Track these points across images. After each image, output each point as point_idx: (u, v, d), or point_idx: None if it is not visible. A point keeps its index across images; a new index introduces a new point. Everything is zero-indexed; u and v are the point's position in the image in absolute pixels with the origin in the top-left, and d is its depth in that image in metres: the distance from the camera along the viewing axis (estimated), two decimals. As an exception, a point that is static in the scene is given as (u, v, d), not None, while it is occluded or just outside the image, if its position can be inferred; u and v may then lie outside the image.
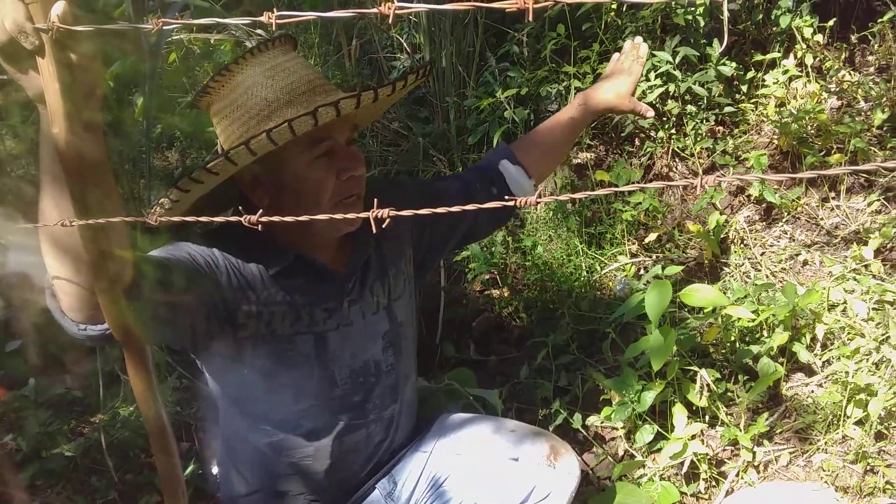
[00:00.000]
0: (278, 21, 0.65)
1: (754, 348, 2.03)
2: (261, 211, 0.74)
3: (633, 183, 2.62)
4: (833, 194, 2.61)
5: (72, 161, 0.80)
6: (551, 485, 1.49)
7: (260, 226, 0.71)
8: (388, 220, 0.64)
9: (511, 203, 0.63)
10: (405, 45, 3.02)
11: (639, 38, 1.76)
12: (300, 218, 0.76)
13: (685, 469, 1.90)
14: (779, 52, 2.87)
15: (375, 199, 0.70)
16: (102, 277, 0.88)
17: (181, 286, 1.20)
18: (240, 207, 1.39)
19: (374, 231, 0.66)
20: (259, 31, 2.91)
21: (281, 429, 1.44)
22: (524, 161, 1.70)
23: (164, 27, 0.70)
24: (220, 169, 1.21)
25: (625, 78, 1.70)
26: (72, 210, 0.83)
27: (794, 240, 2.55)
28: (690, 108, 2.78)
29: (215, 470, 1.89)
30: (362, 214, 0.68)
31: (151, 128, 2.51)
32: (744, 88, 2.88)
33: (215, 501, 1.72)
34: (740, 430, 1.91)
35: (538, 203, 0.59)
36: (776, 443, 1.97)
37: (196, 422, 2.14)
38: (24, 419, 2.15)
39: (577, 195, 0.54)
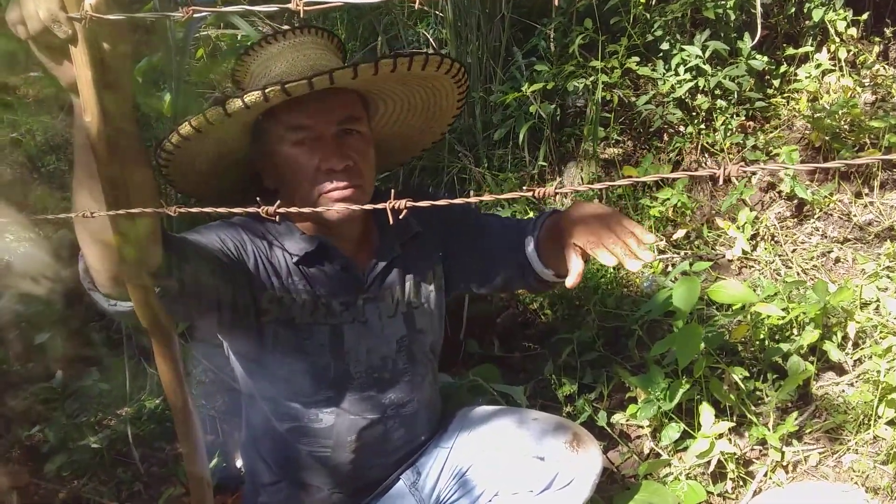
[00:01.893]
0: (306, 8, 0.65)
1: (784, 346, 1.99)
2: (278, 202, 0.74)
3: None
4: (866, 190, 2.56)
5: (104, 149, 0.81)
6: (574, 471, 1.47)
7: (278, 216, 0.70)
8: (404, 212, 0.64)
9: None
10: (431, 40, 3.01)
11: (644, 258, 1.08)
12: (317, 209, 0.76)
13: (712, 468, 1.87)
14: (811, 45, 2.82)
15: (393, 191, 0.69)
16: (129, 265, 0.89)
17: (209, 268, 1.22)
18: (257, 199, 1.42)
19: (391, 221, 0.65)
20: (286, 27, 2.92)
21: (300, 416, 1.45)
22: (542, 244, 1.36)
23: (195, 13, 0.70)
24: (202, 126, 1.24)
25: (596, 224, 1.01)
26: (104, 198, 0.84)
27: (825, 236, 2.50)
28: (720, 102, 2.74)
29: (239, 463, 1.90)
30: (380, 205, 0.67)
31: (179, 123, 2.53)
32: (775, 83, 2.84)
33: (238, 494, 1.73)
34: (769, 430, 1.88)
35: (557, 194, 0.58)
36: (805, 442, 1.93)
37: (220, 415, 2.15)
38: (52, 411, 2.18)
39: (597, 185, 0.53)
